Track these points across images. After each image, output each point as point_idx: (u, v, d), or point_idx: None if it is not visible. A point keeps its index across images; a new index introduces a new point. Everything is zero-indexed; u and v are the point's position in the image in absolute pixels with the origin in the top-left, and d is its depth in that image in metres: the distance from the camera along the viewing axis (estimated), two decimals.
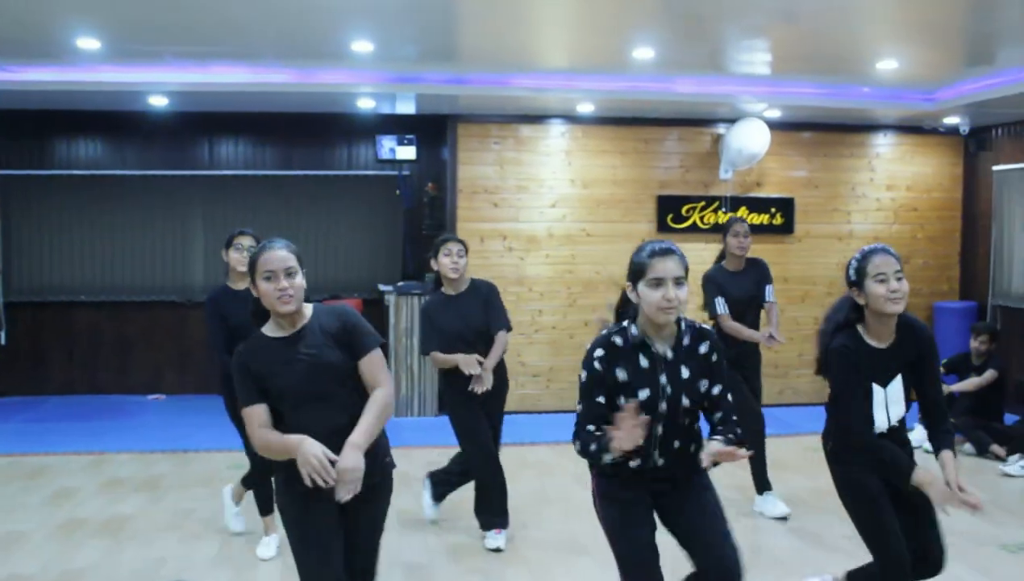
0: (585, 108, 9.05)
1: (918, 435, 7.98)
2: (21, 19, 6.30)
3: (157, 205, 10.01)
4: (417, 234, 10.09)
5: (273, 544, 5.25)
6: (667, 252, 3.19)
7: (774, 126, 9.38)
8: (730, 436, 3.20)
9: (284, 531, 3.37)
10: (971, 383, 7.95)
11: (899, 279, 3.51)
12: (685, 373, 3.23)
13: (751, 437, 6.05)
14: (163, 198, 10.01)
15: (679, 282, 3.15)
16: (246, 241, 5.41)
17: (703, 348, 3.28)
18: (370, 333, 3.35)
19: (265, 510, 5.27)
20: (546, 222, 9.41)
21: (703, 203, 9.58)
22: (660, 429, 3.21)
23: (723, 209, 9.59)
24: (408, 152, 10.10)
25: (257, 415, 3.24)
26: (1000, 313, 9.72)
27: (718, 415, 3.31)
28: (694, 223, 9.50)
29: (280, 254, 3.29)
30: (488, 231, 9.31)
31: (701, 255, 9.44)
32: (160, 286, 10.03)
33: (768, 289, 6.26)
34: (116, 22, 6.49)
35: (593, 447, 3.13)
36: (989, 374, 7.90)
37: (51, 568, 5.04)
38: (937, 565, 3.72)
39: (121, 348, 10.13)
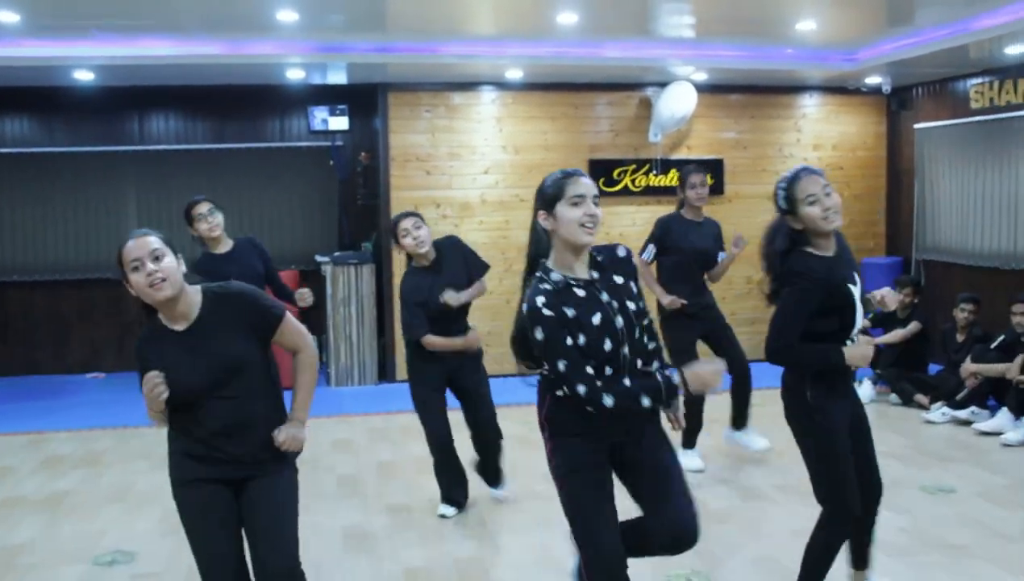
0: (514, 74, 9.11)
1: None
2: None
3: (89, 181, 9.90)
4: (352, 204, 10.12)
5: None
6: (579, 174, 3.18)
7: (701, 89, 9.52)
8: (668, 379, 3.13)
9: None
10: (896, 335, 8.21)
11: (828, 195, 3.53)
12: (619, 280, 3.20)
13: (739, 386, 6.23)
14: (94, 174, 9.91)
15: (596, 201, 3.12)
16: (203, 207, 5.46)
17: (620, 252, 3.26)
18: (273, 304, 3.25)
19: None
20: (479, 189, 9.48)
21: (634, 166, 9.71)
22: (626, 350, 3.12)
23: (654, 171, 9.73)
24: (340, 122, 10.10)
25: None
26: (924, 267, 10.00)
27: (652, 345, 3.30)
28: (626, 186, 9.63)
29: (142, 241, 3.07)
30: (422, 199, 9.36)
31: (633, 217, 9.64)
32: (95, 263, 9.93)
33: (721, 255, 6.30)
34: None
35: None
36: (913, 326, 8.16)
37: None
38: (879, 488, 3.87)
39: (57, 327, 10.05)
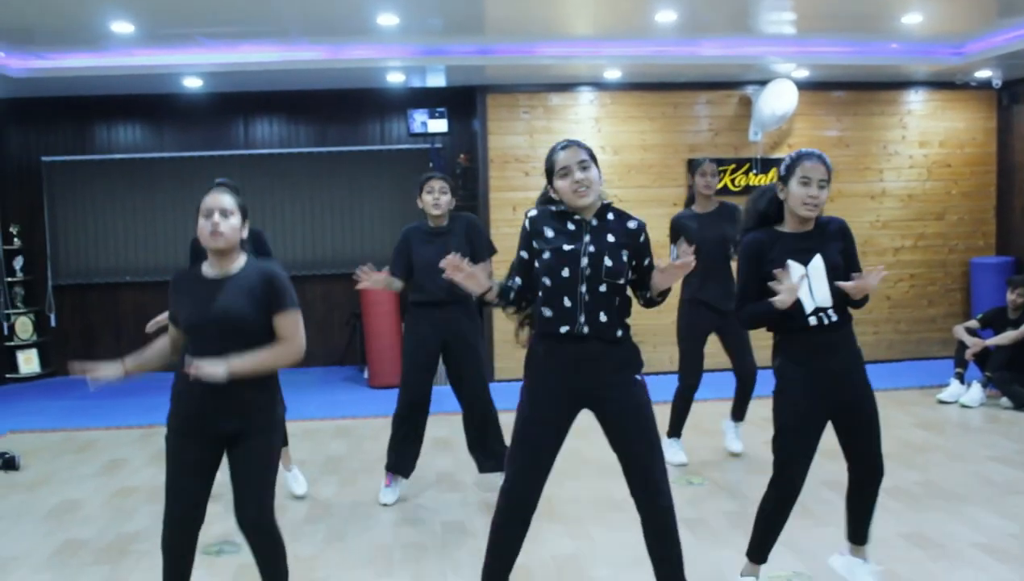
0: (612, 74, 9.10)
1: (953, 391, 8.04)
2: (56, 6, 6.48)
3: (196, 185, 10.14)
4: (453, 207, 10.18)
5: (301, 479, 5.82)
6: (568, 145, 3.53)
7: (803, 86, 9.38)
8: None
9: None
10: (1008, 336, 7.96)
11: (821, 188, 3.65)
12: (610, 238, 3.49)
13: (741, 387, 6.34)
14: (201, 178, 10.12)
15: (583, 165, 3.46)
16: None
17: (631, 225, 3.56)
18: (291, 296, 3.58)
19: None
20: None
21: (733, 165, 9.61)
22: (584, 290, 3.45)
23: (754, 171, 9.61)
24: (440, 125, 10.22)
25: (172, 330, 3.69)
26: None
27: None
28: (725, 186, 9.52)
29: (219, 197, 3.53)
30: (521, 200, 9.41)
31: None
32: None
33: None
34: (148, 5, 6.67)
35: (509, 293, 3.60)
36: None
37: (106, 532, 5.25)
38: (879, 473, 3.88)
39: (166, 327, 10.34)
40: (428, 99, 10.11)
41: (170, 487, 3.57)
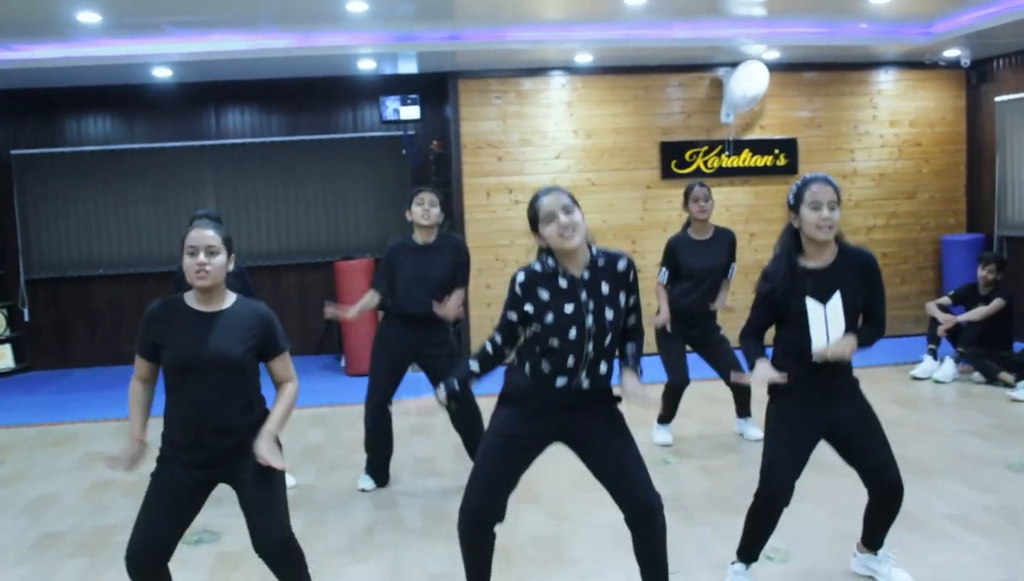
0: (584, 58, 9.10)
1: (926, 367, 8.13)
2: None
3: (168, 176, 10.16)
4: None
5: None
6: (548, 191, 3.48)
7: (774, 68, 9.42)
8: (637, 362, 3.60)
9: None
10: (979, 312, 8.03)
11: (832, 209, 3.63)
12: (605, 289, 3.45)
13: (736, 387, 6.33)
14: (173, 169, 10.16)
15: (567, 209, 3.39)
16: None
17: (620, 266, 3.49)
18: (284, 336, 3.59)
19: None
20: (551, 174, 9.49)
21: (706, 147, 9.65)
22: (591, 347, 3.42)
23: (726, 152, 9.65)
24: (412, 112, 10.19)
25: (141, 366, 3.55)
26: (1007, 243, 9.77)
27: (631, 347, 3.61)
28: (698, 168, 9.56)
29: (205, 233, 3.47)
30: (494, 185, 9.41)
31: None
32: (177, 256, 10.14)
33: (732, 267, 6.29)
34: None
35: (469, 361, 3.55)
36: (996, 302, 7.97)
37: (84, 525, 5.24)
38: (897, 485, 3.83)
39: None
40: (400, 86, 10.08)
41: (146, 517, 3.43)
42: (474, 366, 3.53)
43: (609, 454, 3.53)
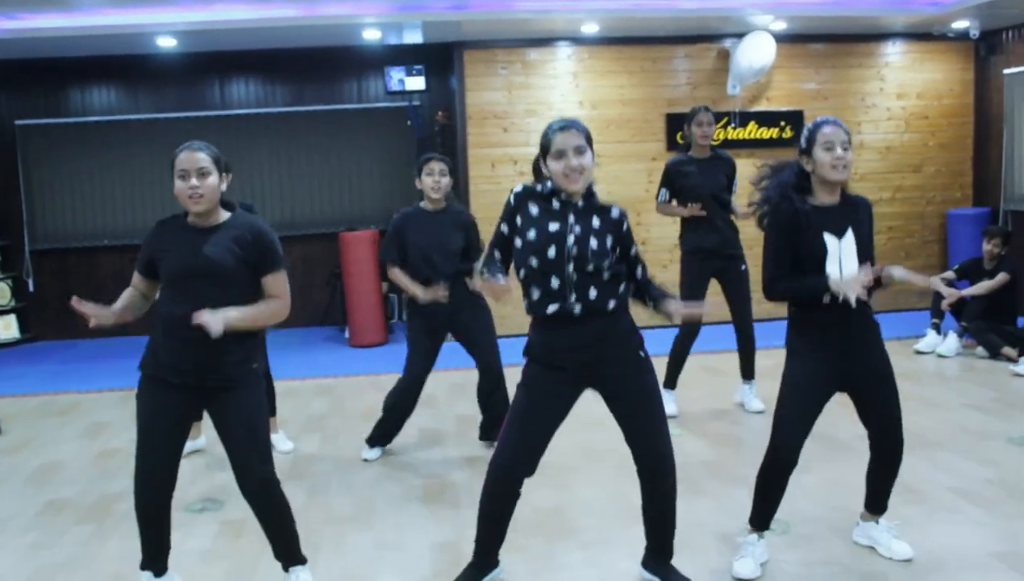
0: (590, 28, 9.05)
1: (930, 341, 8.12)
2: None
3: (172, 147, 9.76)
4: None
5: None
6: (566, 127, 3.47)
7: (781, 39, 9.35)
8: (666, 295, 3.67)
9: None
10: (983, 286, 8.01)
11: (845, 149, 3.65)
12: (595, 222, 3.48)
13: (742, 342, 6.34)
14: (178, 139, 9.84)
15: (579, 150, 3.42)
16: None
17: (614, 213, 3.54)
18: (280, 256, 3.57)
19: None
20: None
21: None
22: (571, 269, 3.42)
23: (732, 124, 9.61)
24: (417, 83, 10.13)
25: (138, 280, 3.65)
26: (1012, 218, 9.73)
27: (652, 288, 3.67)
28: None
29: (195, 155, 3.43)
30: (499, 156, 9.39)
31: None
32: None
33: (733, 184, 6.26)
34: None
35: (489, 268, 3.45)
36: (1001, 277, 7.96)
37: (89, 492, 5.28)
38: (897, 445, 3.90)
39: None
40: (405, 56, 10.03)
41: (143, 440, 3.53)
42: (493, 266, 3.49)
43: (635, 403, 3.57)
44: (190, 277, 3.43)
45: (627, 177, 9.54)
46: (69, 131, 10.06)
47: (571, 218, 3.45)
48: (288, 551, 3.79)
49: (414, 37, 9.25)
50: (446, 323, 5.54)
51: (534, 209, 3.48)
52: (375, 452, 5.75)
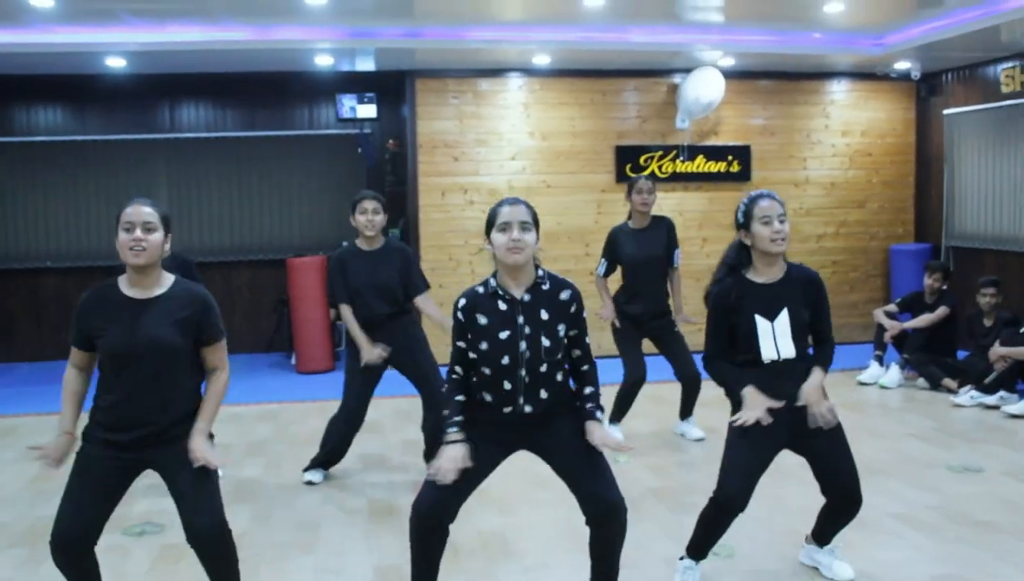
0: (542, 60, 9.13)
1: (873, 372, 8.24)
2: None
3: (120, 170, 10.03)
4: (380, 191, 10.09)
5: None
6: (514, 202, 3.46)
7: (729, 75, 9.51)
8: (598, 408, 3.52)
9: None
10: (924, 319, 8.16)
11: (782, 222, 3.74)
12: (544, 315, 3.44)
13: (688, 387, 6.43)
14: (126, 162, 10.03)
15: (525, 226, 3.38)
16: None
17: (564, 295, 3.47)
18: (220, 324, 3.51)
19: None
20: (506, 175, 9.51)
21: (661, 152, 9.71)
22: (524, 373, 3.42)
23: (681, 158, 9.72)
24: (368, 110, 10.15)
25: (76, 355, 3.47)
26: (953, 253, 9.94)
27: (588, 389, 3.54)
28: (652, 172, 9.60)
29: (142, 209, 3.35)
30: (449, 185, 9.40)
31: (660, 204, 9.59)
32: None
33: (676, 253, 6.38)
34: None
35: (447, 419, 3.46)
36: (941, 310, 8.11)
37: (25, 516, 5.16)
38: (858, 497, 3.89)
39: None
40: (357, 84, 10.04)
41: (71, 501, 3.36)
42: (457, 419, 3.46)
43: (573, 455, 3.52)
44: (134, 356, 3.32)
45: (577, 207, 9.60)
46: (13, 151, 9.90)
47: (520, 319, 3.41)
48: None
49: (367, 64, 9.28)
50: (389, 356, 5.58)
51: (483, 319, 3.43)
52: (318, 475, 5.68)
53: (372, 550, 4.57)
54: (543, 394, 3.47)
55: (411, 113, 9.45)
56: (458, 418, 3.45)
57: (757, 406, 3.68)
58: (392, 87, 9.88)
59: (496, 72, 9.49)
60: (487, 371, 3.43)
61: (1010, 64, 8.92)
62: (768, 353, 3.75)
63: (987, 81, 9.34)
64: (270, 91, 10.11)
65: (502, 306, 3.43)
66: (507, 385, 3.43)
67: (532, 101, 9.59)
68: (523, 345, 3.39)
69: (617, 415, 6.45)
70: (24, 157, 9.91)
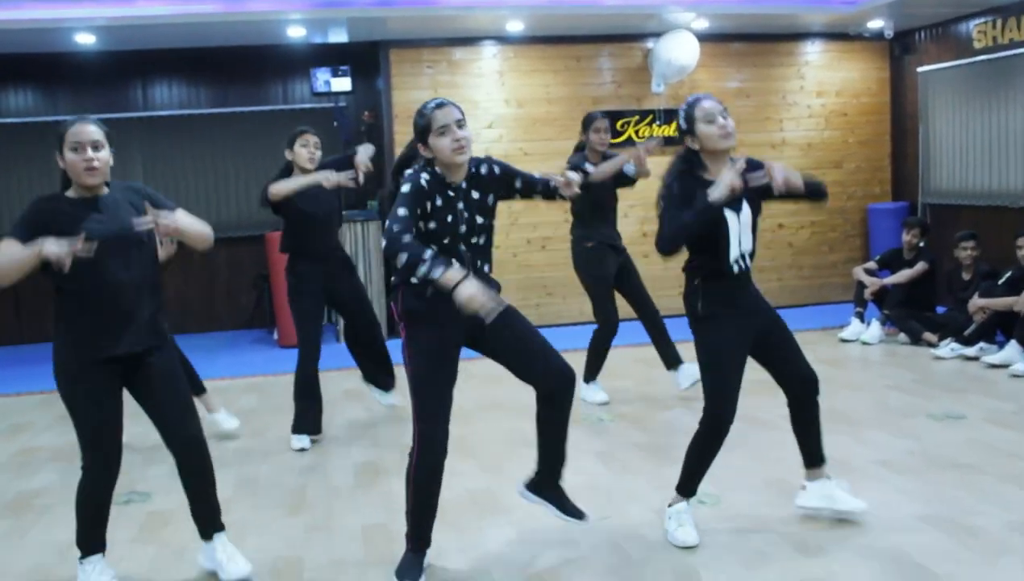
0: (515, 27, 9.09)
1: (854, 329, 8.29)
2: None
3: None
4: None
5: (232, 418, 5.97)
6: (442, 104, 3.51)
7: (703, 38, 9.49)
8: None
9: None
10: (903, 275, 8.21)
11: (725, 117, 3.80)
12: (476, 195, 3.60)
13: (652, 326, 6.48)
14: None
15: (460, 124, 3.48)
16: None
17: (483, 169, 3.65)
18: (165, 199, 3.64)
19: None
20: (483, 143, 9.46)
21: (637, 117, 9.70)
22: (463, 247, 3.57)
23: (657, 122, 9.72)
24: (343, 84, 10.09)
25: (7, 245, 3.35)
26: (930, 210, 9.98)
27: (538, 178, 3.75)
28: (629, 137, 9.60)
29: (88, 128, 3.39)
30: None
31: None
32: None
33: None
34: None
35: (425, 267, 3.30)
36: (920, 266, 8.16)
37: (8, 490, 5.14)
38: (814, 381, 4.03)
39: None
40: (331, 57, 9.97)
41: (94, 423, 3.51)
42: (432, 252, 3.36)
43: (518, 336, 3.67)
44: (104, 248, 3.35)
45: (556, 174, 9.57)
46: None
47: (460, 205, 3.54)
48: (213, 513, 3.82)
49: (339, 36, 9.21)
50: (327, 293, 5.77)
51: (439, 200, 3.51)
52: (305, 440, 5.68)
53: (361, 508, 4.58)
54: (478, 262, 3.63)
55: (386, 84, 9.40)
56: (431, 251, 3.35)
57: (727, 178, 3.65)
58: (366, 59, 9.82)
59: (470, 41, 9.45)
60: (434, 248, 3.44)
61: (982, 20, 8.95)
62: (734, 251, 3.80)
63: (960, 38, 9.37)
64: (244, 67, 10.02)
65: (449, 193, 3.53)
66: (454, 262, 3.45)
67: (507, 69, 9.56)
68: (463, 227, 3.54)
69: (593, 372, 6.46)
70: None
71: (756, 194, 3.84)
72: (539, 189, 3.73)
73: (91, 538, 3.70)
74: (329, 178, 5.51)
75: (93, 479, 3.59)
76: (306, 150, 5.55)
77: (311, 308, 5.70)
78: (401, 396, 5.98)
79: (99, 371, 3.48)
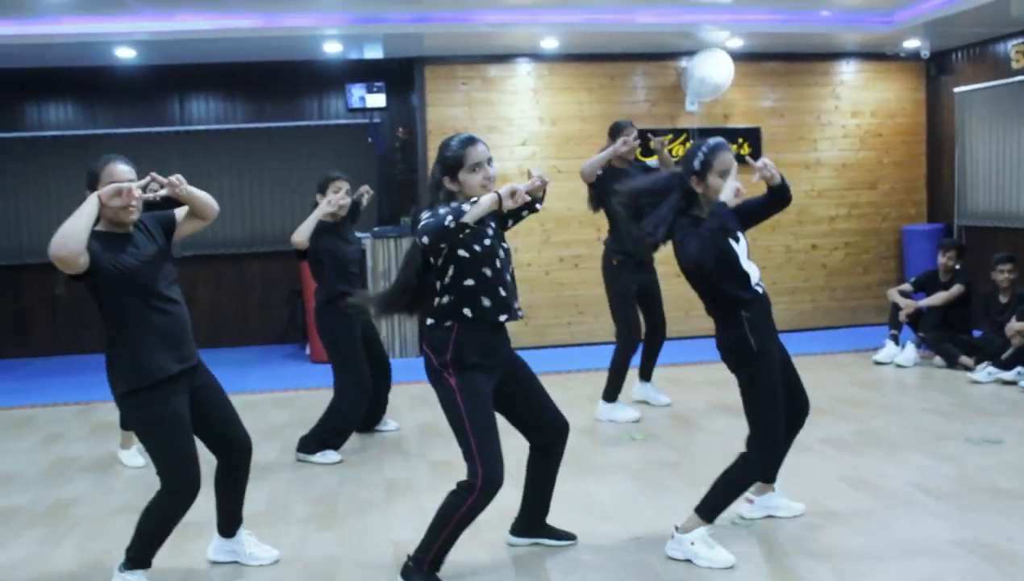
0: (550, 44, 9.11)
1: (888, 352, 8.20)
2: None
3: (132, 163, 10.01)
4: (390, 179, 10.17)
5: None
6: (473, 140, 3.65)
7: (738, 57, 9.47)
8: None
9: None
10: (939, 297, 8.12)
11: (736, 173, 3.88)
12: (492, 224, 3.74)
13: (651, 345, 6.65)
14: (137, 156, 9.60)
15: (490, 162, 3.66)
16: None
17: (485, 202, 3.56)
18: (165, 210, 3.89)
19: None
20: (517, 161, 9.50)
21: (671, 136, 9.69)
22: (509, 278, 3.73)
23: (691, 141, 9.70)
24: (378, 100, 10.14)
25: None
26: (966, 232, 9.89)
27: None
28: None
29: (124, 168, 3.69)
30: None
31: None
32: None
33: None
34: None
35: (453, 214, 3.38)
36: (956, 288, 8.07)
37: (43, 499, 5.18)
38: (806, 403, 4.23)
39: None
40: (366, 73, 10.03)
41: (177, 446, 3.65)
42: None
43: (532, 387, 3.90)
44: (157, 276, 3.66)
45: (586, 192, 9.56)
46: (25, 146, 9.90)
47: (490, 231, 3.67)
48: (241, 510, 4.13)
49: (375, 52, 9.25)
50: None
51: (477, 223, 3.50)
52: (338, 455, 5.70)
53: (392, 524, 4.59)
54: (516, 303, 3.77)
55: (420, 100, 9.45)
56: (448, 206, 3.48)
57: (732, 184, 3.79)
58: (401, 75, 9.87)
59: (504, 58, 9.49)
60: (488, 271, 3.61)
61: (1020, 40, 8.87)
62: (753, 275, 3.94)
63: (997, 58, 9.30)
64: (280, 82, 10.11)
65: (476, 224, 3.49)
66: (501, 290, 3.65)
67: (541, 86, 9.59)
68: (501, 252, 3.69)
69: (614, 394, 6.46)
70: (35, 152, 9.93)
71: (743, 222, 4.03)
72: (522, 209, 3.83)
73: (147, 554, 3.80)
74: (331, 201, 5.79)
75: (178, 503, 3.71)
76: (338, 196, 5.70)
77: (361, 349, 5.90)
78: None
79: (171, 391, 3.63)
